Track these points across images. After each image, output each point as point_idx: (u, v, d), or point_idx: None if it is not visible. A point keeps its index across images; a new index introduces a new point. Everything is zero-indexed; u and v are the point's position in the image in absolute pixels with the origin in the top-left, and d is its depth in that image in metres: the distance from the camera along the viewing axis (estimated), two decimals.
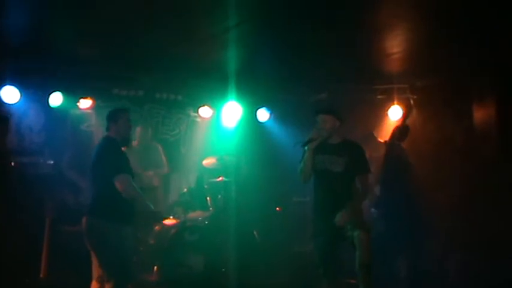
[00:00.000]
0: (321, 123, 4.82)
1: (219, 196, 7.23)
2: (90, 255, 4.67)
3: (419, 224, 6.31)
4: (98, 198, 4.71)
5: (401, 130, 6.73)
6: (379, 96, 7.73)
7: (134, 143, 7.24)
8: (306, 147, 4.81)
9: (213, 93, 8.04)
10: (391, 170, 6.51)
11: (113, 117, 4.86)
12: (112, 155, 4.69)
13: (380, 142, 7.06)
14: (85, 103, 7.40)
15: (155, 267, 6.58)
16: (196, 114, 8.46)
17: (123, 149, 4.84)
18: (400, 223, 6.30)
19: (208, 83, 7.73)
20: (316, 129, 4.82)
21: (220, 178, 7.26)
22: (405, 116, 7.32)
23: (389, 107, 7.63)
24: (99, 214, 4.60)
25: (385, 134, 7.25)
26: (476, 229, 6.20)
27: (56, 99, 7.12)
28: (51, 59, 6.61)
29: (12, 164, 6.49)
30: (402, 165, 6.51)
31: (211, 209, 7.20)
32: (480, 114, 6.82)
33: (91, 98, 7.40)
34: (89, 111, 7.55)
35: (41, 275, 6.35)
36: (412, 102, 7.49)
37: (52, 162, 7.04)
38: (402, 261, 6.38)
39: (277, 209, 8.06)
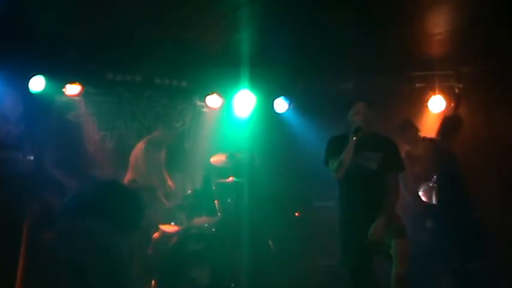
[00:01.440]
0: (354, 113, 4.70)
1: (229, 199, 6.94)
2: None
3: (476, 237, 5.94)
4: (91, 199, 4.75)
5: (451, 123, 6.29)
6: (417, 85, 7.40)
7: None
8: (353, 138, 4.62)
9: (223, 79, 7.62)
10: (444, 174, 6.14)
11: None
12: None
13: (419, 135, 6.62)
14: (72, 89, 7.01)
15: (153, 281, 6.31)
16: (203, 104, 8.05)
17: None
18: (455, 235, 5.91)
19: (218, 68, 7.35)
20: (359, 119, 4.69)
21: (231, 178, 6.94)
22: (455, 107, 6.87)
23: (430, 98, 7.30)
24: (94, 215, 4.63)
25: (424, 128, 6.85)
26: None
27: (37, 83, 6.71)
28: (33, 36, 6.15)
29: None
30: (454, 166, 6.09)
31: (219, 214, 6.85)
32: None
33: (79, 83, 7.03)
34: (76, 98, 7.14)
35: None
36: (457, 91, 7.08)
37: (32, 157, 6.64)
38: (450, 278, 6.02)
39: (296, 214, 7.63)
